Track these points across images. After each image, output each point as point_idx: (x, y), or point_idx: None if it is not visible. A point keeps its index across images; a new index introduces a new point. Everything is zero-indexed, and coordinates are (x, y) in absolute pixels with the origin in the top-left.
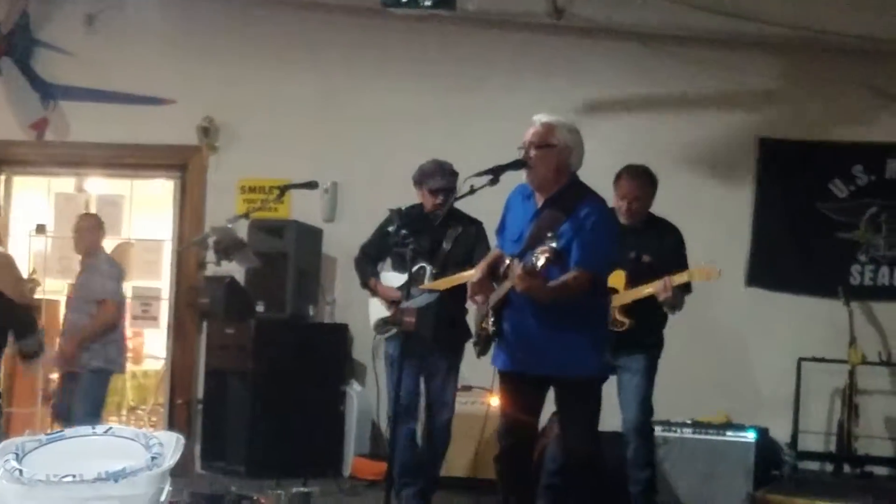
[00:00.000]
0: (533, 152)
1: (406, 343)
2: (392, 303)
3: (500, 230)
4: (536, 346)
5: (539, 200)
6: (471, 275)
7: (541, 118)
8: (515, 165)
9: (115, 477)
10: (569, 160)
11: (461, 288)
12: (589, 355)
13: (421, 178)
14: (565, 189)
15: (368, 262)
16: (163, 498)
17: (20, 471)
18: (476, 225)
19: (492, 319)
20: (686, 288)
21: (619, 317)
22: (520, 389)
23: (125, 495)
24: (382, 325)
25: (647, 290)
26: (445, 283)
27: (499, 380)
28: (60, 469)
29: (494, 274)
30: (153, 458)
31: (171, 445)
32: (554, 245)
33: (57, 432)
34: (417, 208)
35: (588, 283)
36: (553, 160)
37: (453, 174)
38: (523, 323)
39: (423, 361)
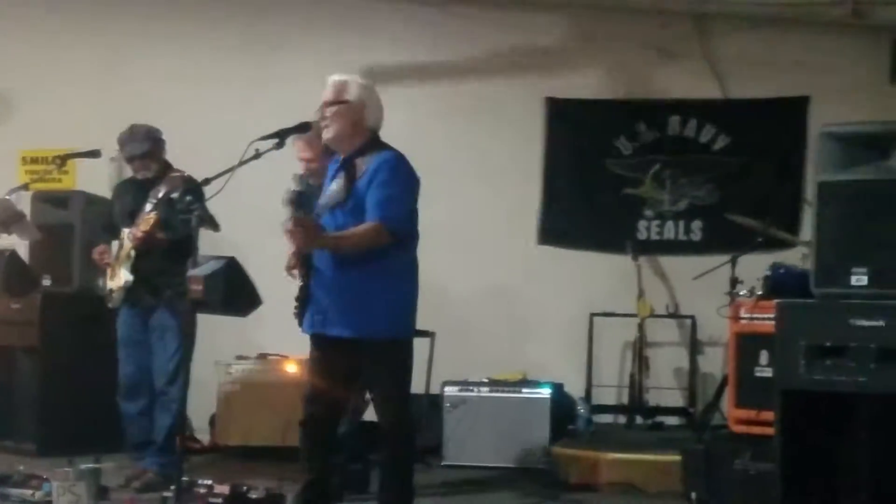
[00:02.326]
0: (328, 110)
1: (193, 311)
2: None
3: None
4: (337, 307)
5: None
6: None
7: (334, 77)
8: (300, 129)
9: None
10: (363, 116)
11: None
12: (389, 315)
13: (119, 150)
14: (362, 146)
15: (110, 235)
16: None
17: None
18: (191, 194)
19: (300, 283)
20: None
21: None
22: (324, 353)
23: None
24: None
25: None
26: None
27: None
28: None
29: None
30: None
31: None
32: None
33: None
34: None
35: (381, 235)
36: (347, 117)
37: (146, 139)
38: (323, 284)
39: (147, 329)
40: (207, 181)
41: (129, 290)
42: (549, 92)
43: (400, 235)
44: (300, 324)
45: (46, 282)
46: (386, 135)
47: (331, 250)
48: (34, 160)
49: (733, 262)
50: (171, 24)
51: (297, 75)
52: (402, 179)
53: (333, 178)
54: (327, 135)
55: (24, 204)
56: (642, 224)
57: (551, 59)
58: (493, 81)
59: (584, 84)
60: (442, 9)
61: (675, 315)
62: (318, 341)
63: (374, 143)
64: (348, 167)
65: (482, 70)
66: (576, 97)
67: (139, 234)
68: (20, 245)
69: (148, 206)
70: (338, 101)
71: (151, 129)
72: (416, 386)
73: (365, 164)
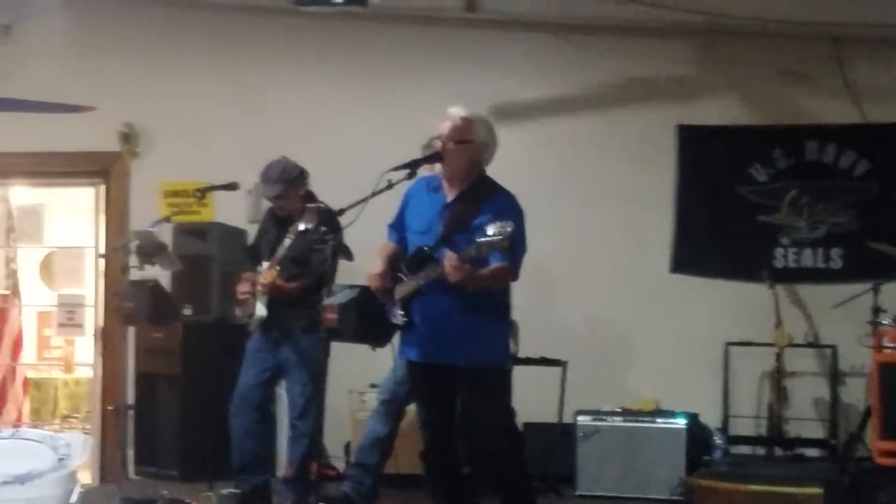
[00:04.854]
0: (450, 146)
1: (327, 340)
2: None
3: (397, 224)
4: (449, 336)
5: (449, 193)
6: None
7: (459, 112)
8: (432, 159)
9: (22, 479)
10: (483, 156)
11: None
12: (498, 345)
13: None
14: (476, 183)
15: (251, 259)
16: (73, 499)
17: None
18: (326, 225)
19: (401, 312)
20: None
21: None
22: (433, 381)
23: (32, 497)
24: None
25: None
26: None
27: (409, 373)
28: None
29: (396, 267)
30: (60, 459)
31: (78, 446)
32: (507, 232)
33: None
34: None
35: (510, 275)
36: (469, 155)
37: (278, 180)
38: (436, 313)
39: (276, 358)
40: (342, 211)
41: (262, 322)
42: (681, 119)
43: (518, 276)
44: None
45: (187, 311)
46: (515, 166)
47: (466, 285)
48: (175, 193)
49: (875, 291)
50: (295, 58)
51: (419, 106)
52: (521, 223)
53: (446, 210)
54: (445, 170)
55: (165, 236)
56: (779, 252)
57: (682, 86)
58: (622, 110)
59: (717, 111)
60: (565, 38)
61: (814, 345)
62: (425, 369)
63: (486, 179)
64: (470, 202)
65: (611, 99)
66: (708, 124)
67: (264, 285)
68: (162, 276)
69: (286, 241)
70: (463, 140)
71: (286, 167)
72: (549, 415)
73: (486, 202)
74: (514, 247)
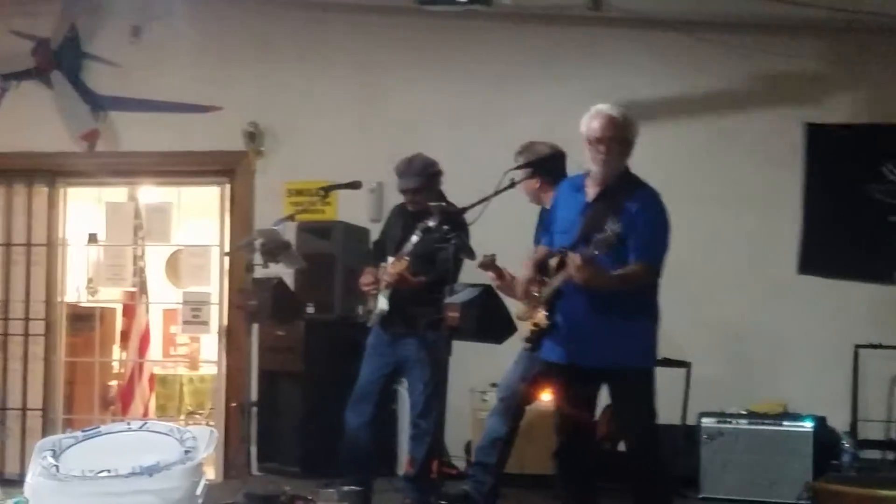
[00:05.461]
0: (604, 147)
1: (448, 338)
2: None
3: (548, 226)
4: (591, 338)
5: (591, 192)
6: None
7: (610, 110)
8: (552, 160)
9: (150, 471)
10: (631, 152)
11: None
12: (642, 345)
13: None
14: (618, 180)
15: (376, 255)
16: (198, 491)
17: (56, 467)
18: (449, 223)
19: (545, 313)
20: None
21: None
22: (574, 382)
23: (160, 489)
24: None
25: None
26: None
27: (552, 373)
28: (96, 465)
29: (544, 269)
30: (187, 452)
31: (204, 439)
32: (615, 229)
33: (93, 428)
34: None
35: (646, 275)
36: (625, 154)
37: (419, 174)
38: (577, 315)
39: (395, 355)
40: (464, 210)
41: (384, 317)
42: (810, 118)
43: (660, 274)
44: (534, 349)
45: (310, 309)
46: (641, 164)
47: (596, 285)
48: (298, 192)
49: None
50: (419, 58)
51: (544, 107)
52: (664, 219)
53: (587, 209)
54: (602, 169)
55: (289, 234)
56: None
57: (809, 83)
58: (750, 108)
59: (847, 108)
60: (692, 36)
61: None
62: (567, 370)
63: (628, 177)
64: (610, 200)
65: (739, 97)
66: (837, 122)
67: (392, 275)
68: (286, 274)
69: (414, 238)
70: (624, 140)
71: (428, 162)
72: (672, 416)
73: (627, 199)
74: (652, 244)
